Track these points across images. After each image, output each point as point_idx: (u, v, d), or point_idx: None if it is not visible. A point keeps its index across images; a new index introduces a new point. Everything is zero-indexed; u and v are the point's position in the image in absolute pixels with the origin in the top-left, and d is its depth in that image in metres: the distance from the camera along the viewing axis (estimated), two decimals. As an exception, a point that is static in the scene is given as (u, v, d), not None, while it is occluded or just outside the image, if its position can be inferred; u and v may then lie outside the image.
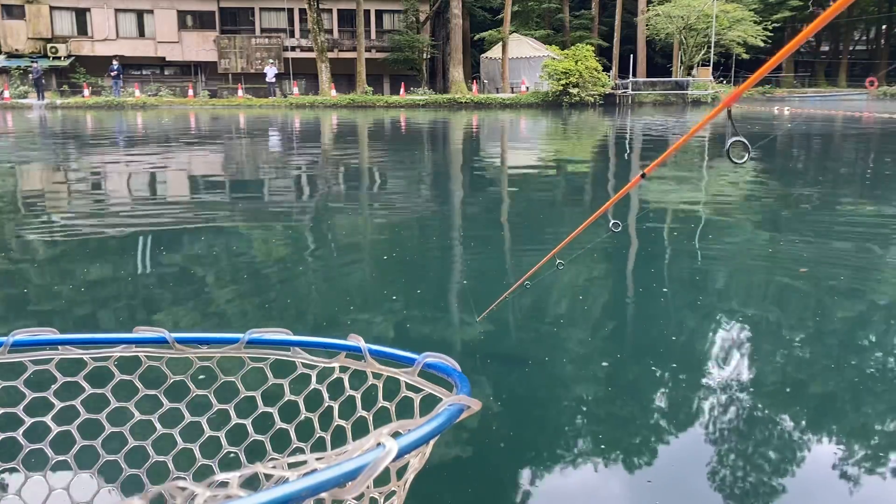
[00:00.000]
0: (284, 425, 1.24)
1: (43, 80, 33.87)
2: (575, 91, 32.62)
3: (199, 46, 40.25)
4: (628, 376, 3.12)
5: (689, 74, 37.23)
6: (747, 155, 1.23)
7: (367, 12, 39.98)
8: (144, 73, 40.30)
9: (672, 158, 13.13)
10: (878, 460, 2.43)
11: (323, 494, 0.63)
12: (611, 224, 1.98)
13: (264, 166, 12.07)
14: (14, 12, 37.65)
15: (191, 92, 37.02)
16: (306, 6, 36.58)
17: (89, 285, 4.47)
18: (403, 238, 6.18)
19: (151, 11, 39.59)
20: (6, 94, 32.88)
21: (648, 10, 38.84)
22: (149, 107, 33.25)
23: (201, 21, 40.38)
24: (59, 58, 37.79)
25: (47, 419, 1.24)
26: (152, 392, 1.27)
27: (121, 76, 35.74)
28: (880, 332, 3.67)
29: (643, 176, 1.57)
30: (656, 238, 6.02)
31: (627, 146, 16.04)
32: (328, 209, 7.71)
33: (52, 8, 38.19)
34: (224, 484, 0.61)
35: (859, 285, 4.55)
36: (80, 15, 38.91)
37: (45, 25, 38.06)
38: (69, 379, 1.23)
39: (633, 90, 35.23)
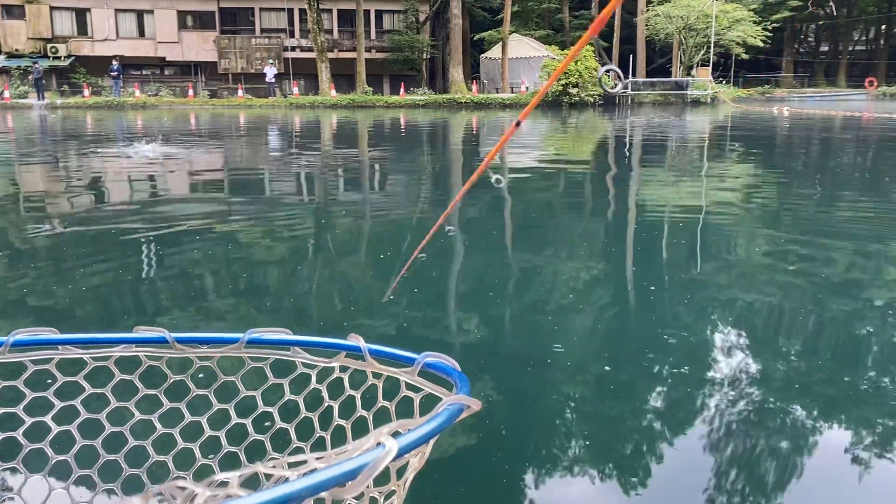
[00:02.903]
0: (284, 425, 1.24)
1: (43, 80, 33.87)
2: (574, 91, 32.61)
3: (199, 46, 40.26)
4: (629, 376, 3.12)
5: (688, 74, 37.22)
6: (619, 83, 1.24)
7: (366, 12, 39.99)
8: (144, 73, 40.31)
9: (670, 159, 13.14)
10: (880, 463, 2.43)
11: (323, 494, 0.64)
12: (493, 179, 2.00)
13: (264, 166, 12.07)
14: (14, 12, 37.66)
15: (191, 92, 37.03)
16: (306, 6, 36.59)
17: (89, 285, 4.47)
18: (403, 237, 6.18)
19: (151, 11, 39.60)
20: (6, 94, 32.88)
21: (648, 10, 38.84)
22: (149, 107, 33.26)
23: (201, 21, 40.39)
24: (59, 58, 37.80)
25: (47, 419, 1.24)
26: (152, 392, 1.27)
27: (121, 76, 35.75)
28: (881, 331, 3.67)
29: (518, 124, 1.62)
30: (654, 237, 6.02)
31: (627, 146, 16.04)
32: (328, 209, 7.71)
33: (52, 8, 38.19)
34: (224, 484, 0.61)
35: (857, 284, 4.56)
36: (80, 15, 38.93)
37: (45, 25, 38.06)
38: (69, 379, 1.23)
39: (632, 90, 35.23)
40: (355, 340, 1.12)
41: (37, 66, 34.22)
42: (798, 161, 12.91)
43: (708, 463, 2.42)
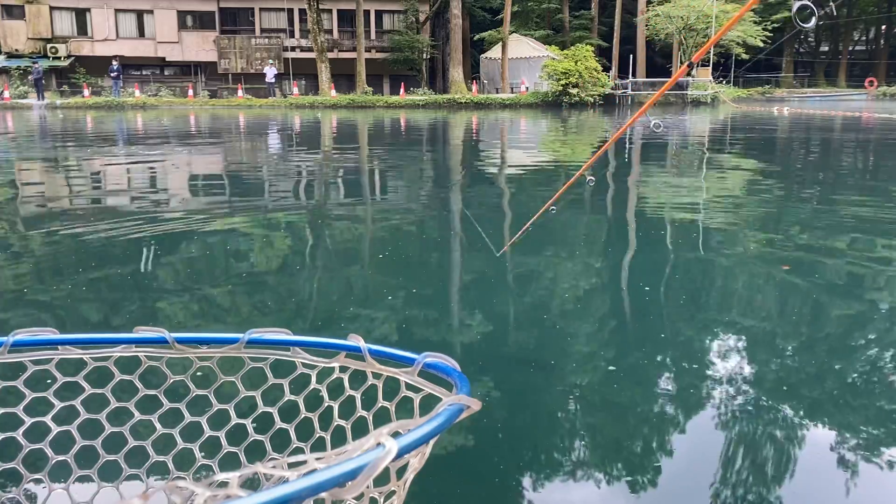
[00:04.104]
0: (284, 425, 1.24)
1: (43, 81, 33.89)
2: (574, 91, 32.65)
3: (199, 47, 40.28)
4: (631, 377, 3.12)
5: (688, 75, 37.22)
6: (814, 18, 1.21)
7: (366, 12, 40.01)
8: (144, 73, 40.34)
9: (671, 161, 13.15)
10: (880, 464, 2.43)
11: (323, 494, 0.64)
12: (588, 178, 2.02)
13: (264, 166, 12.07)
14: (14, 12, 37.68)
15: (191, 92, 37.05)
16: (306, 6, 36.61)
17: (89, 285, 4.47)
18: (403, 237, 6.18)
19: (151, 11, 39.62)
20: (6, 94, 32.90)
21: (648, 10, 38.88)
22: (149, 107, 33.28)
23: (201, 21, 40.41)
24: (59, 58, 37.83)
25: (47, 419, 1.24)
26: (152, 392, 1.27)
27: (121, 76, 35.77)
28: (884, 332, 3.67)
29: (690, 65, 1.61)
30: (658, 238, 6.02)
31: (627, 147, 16.04)
32: (328, 209, 7.71)
33: (52, 8, 38.22)
34: (224, 484, 0.61)
35: (856, 284, 4.56)
36: (80, 15, 38.95)
37: (45, 25, 38.08)
38: (69, 379, 1.23)
39: (632, 90, 35.24)
40: (355, 341, 1.12)
41: (37, 66, 34.25)
42: (801, 161, 12.91)
43: (709, 466, 2.42)
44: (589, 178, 2.42)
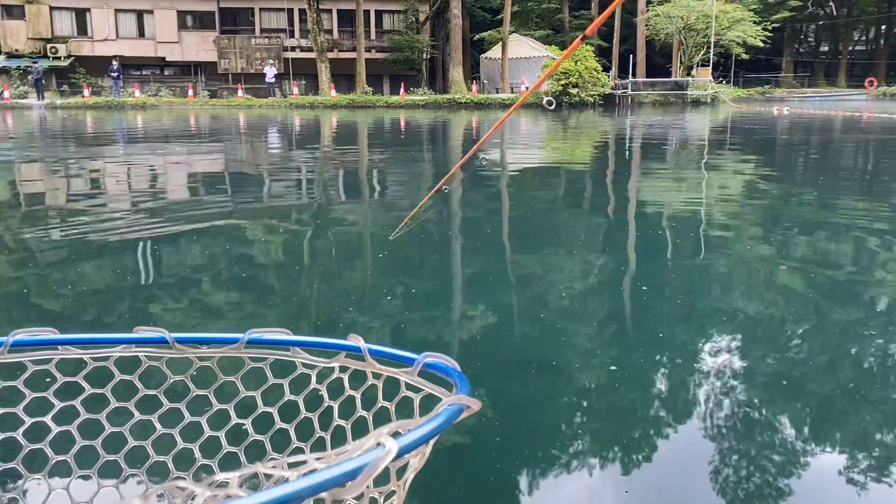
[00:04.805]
0: (284, 425, 1.24)
1: (43, 81, 33.87)
2: (574, 91, 32.65)
3: (199, 47, 40.27)
4: (632, 378, 3.11)
5: (688, 74, 37.24)
6: (554, 102, 1.28)
7: (366, 12, 40.00)
8: (144, 73, 40.32)
9: (670, 160, 13.15)
10: (881, 464, 2.43)
11: (323, 494, 0.64)
12: (481, 158, 2.03)
13: (263, 166, 12.06)
14: (14, 12, 37.67)
15: (191, 92, 37.03)
16: (306, 6, 36.60)
17: (89, 286, 4.47)
18: (403, 237, 6.18)
19: (151, 12, 39.61)
20: (6, 94, 32.88)
21: (648, 10, 38.86)
22: (149, 107, 33.27)
23: (201, 21, 40.39)
24: (59, 58, 37.81)
25: (47, 419, 1.24)
26: (152, 392, 1.27)
27: (121, 76, 35.75)
28: (879, 331, 3.67)
29: (583, 38, 1.61)
30: (658, 238, 6.02)
31: (626, 146, 16.05)
32: (328, 209, 7.71)
33: (52, 8, 38.20)
34: (224, 484, 0.61)
35: (855, 283, 4.55)
36: (80, 15, 38.93)
37: (45, 25, 38.07)
38: (69, 379, 1.23)
39: (632, 90, 35.26)
40: (355, 340, 1.12)
41: (37, 66, 34.23)
42: (804, 161, 12.91)
43: (711, 467, 2.42)
44: (482, 157, 2.45)
